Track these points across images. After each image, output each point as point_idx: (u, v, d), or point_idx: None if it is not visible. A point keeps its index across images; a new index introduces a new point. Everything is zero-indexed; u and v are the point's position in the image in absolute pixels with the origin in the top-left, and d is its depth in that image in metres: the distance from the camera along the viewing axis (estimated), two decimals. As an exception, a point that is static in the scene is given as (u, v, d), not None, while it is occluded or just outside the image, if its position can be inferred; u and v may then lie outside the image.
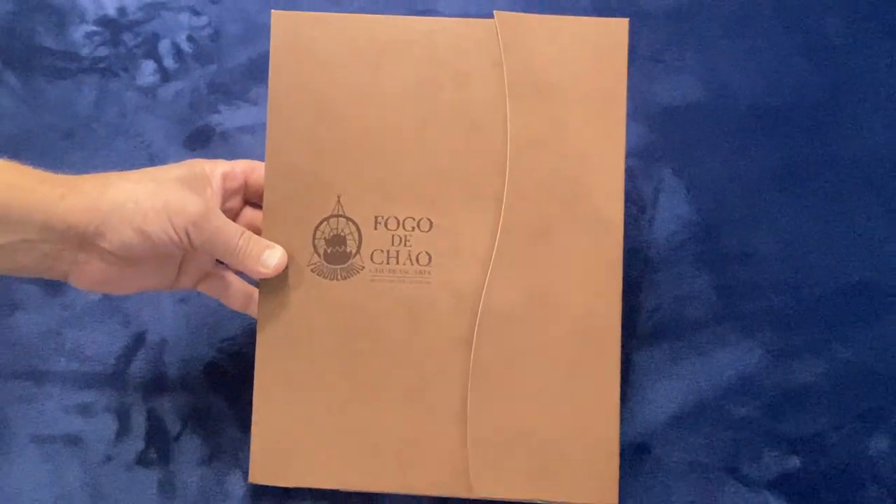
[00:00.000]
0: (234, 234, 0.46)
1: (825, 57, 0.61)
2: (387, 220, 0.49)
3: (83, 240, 0.43)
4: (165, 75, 0.61)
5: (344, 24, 0.50)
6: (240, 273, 0.52)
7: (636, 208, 0.57)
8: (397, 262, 0.48)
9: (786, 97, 0.60)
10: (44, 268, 0.44)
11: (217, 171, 0.49)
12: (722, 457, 0.52)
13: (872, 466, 0.52)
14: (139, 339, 0.56)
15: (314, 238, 0.48)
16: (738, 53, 0.61)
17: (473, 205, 0.48)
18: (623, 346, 0.48)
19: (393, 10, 0.63)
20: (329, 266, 0.48)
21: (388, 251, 0.48)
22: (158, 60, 0.62)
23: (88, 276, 0.45)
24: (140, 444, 0.53)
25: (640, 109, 0.59)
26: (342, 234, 0.49)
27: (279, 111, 0.49)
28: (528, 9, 0.59)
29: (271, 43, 0.49)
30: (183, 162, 0.48)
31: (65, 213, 0.42)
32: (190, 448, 0.53)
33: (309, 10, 0.58)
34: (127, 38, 0.62)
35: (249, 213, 0.52)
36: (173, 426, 0.54)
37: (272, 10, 0.49)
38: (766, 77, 0.60)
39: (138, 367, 0.55)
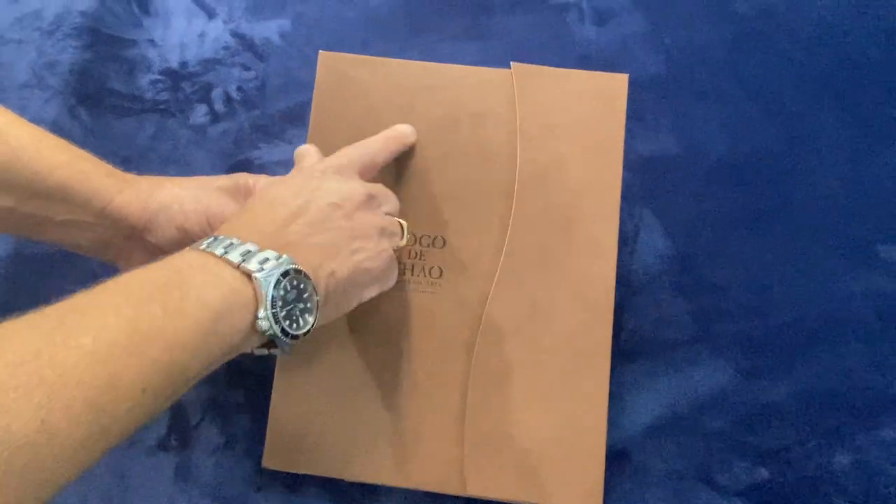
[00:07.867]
0: None
1: (781, 119, 0.64)
2: (407, 236, 0.50)
3: (132, 231, 0.46)
4: (215, 117, 0.66)
5: (382, 67, 0.52)
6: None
7: (620, 241, 0.56)
8: (412, 274, 0.50)
9: (748, 152, 0.63)
10: (96, 249, 0.47)
11: (259, 184, 0.50)
12: (695, 465, 0.53)
13: (836, 480, 0.52)
14: (169, 337, 0.59)
15: (340, 250, 0.51)
16: (707, 115, 0.64)
17: (483, 227, 0.51)
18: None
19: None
20: (350, 276, 0.51)
21: (405, 264, 0.50)
22: (210, 104, 0.66)
23: (135, 262, 0.47)
24: (162, 430, 0.55)
25: (624, 159, 0.56)
26: (365, 247, 0.50)
27: (319, 136, 0.52)
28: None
29: (317, 78, 0.52)
30: (230, 174, 0.51)
31: (119, 205, 0.45)
32: (207, 436, 0.55)
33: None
34: (185, 86, 0.67)
35: None
36: (194, 415, 0.56)
37: (320, 51, 0.53)
38: (731, 135, 0.63)
39: (166, 362, 0.58)
